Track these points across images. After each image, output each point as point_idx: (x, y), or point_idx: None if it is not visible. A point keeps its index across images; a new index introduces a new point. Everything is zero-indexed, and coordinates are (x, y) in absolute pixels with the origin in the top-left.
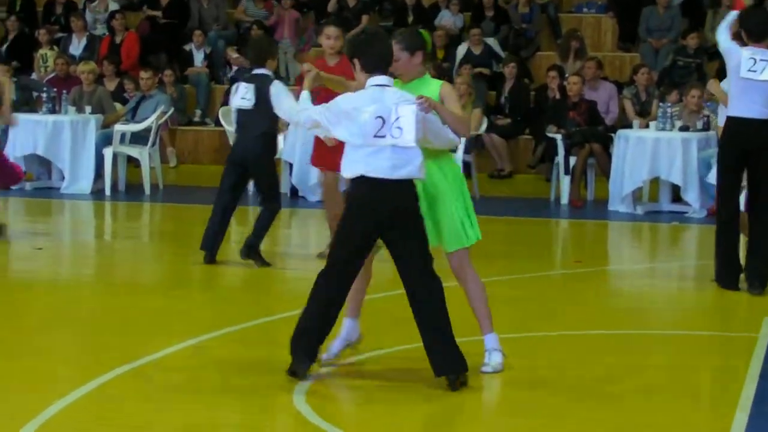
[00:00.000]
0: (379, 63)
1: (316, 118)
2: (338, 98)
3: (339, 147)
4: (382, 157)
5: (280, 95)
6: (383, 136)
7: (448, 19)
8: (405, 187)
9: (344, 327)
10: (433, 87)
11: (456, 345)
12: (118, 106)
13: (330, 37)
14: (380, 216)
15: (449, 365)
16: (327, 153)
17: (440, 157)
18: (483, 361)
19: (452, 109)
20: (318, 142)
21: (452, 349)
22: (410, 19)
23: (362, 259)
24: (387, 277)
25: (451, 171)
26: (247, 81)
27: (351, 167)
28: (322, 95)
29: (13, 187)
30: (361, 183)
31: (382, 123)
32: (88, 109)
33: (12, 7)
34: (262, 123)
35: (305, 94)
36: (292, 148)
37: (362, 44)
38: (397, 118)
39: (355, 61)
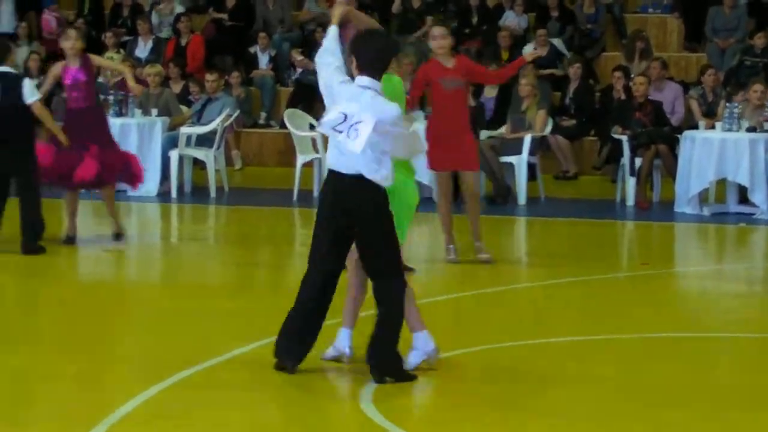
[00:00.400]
0: (370, 64)
1: (323, 74)
2: (340, 85)
3: (454, 146)
4: (339, 149)
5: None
6: (340, 132)
7: (512, 19)
8: (366, 186)
9: (417, 339)
10: None
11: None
12: (183, 108)
13: (436, 38)
14: (342, 208)
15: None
16: (441, 154)
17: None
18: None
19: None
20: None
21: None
22: (474, 19)
23: (338, 255)
24: (448, 281)
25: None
26: None
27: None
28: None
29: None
30: (329, 175)
31: (343, 118)
32: (154, 111)
33: (80, 10)
34: None
35: (333, 30)
36: None
37: (359, 43)
38: (358, 122)
39: (353, 58)
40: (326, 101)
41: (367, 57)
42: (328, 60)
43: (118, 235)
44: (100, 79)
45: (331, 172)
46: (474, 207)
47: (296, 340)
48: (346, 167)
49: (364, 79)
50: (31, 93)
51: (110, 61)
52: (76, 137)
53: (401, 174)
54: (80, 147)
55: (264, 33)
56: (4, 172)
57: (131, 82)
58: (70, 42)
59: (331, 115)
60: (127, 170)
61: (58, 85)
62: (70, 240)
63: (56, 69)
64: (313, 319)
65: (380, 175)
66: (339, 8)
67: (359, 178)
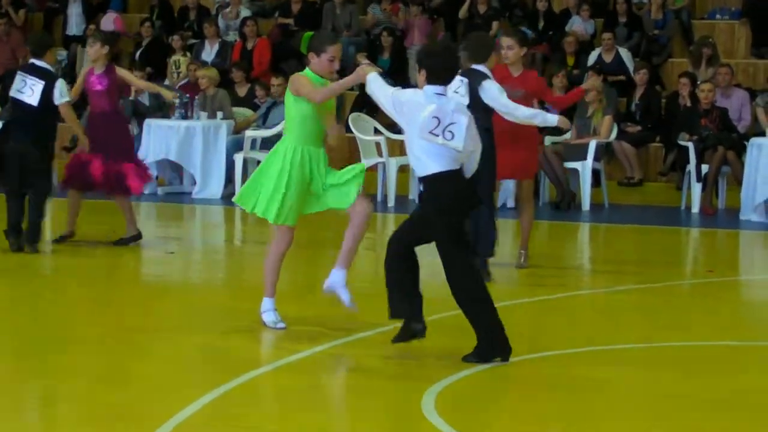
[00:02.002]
0: (438, 75)
1: (382, 99)
2: (405, 90)
3: (509, 155)
4: (440, 152)
5: None
6: (437, 135)
7: (579, 25)
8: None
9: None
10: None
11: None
12: (248, 111)
13: (503, 48)
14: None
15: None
16: (500, 162)
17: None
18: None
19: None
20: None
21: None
22: (541, 24)
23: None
24: (513, 287)
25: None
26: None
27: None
28: None
29: (146, 192)
30: (441, 179)
31: (437, 122)
32: (219, 114)
33: (150, 14)
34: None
35: (374, 77)
36: None
37: (429, 57)
38: (451, 124)
39: (422, 71)
40: (391, 111)
41: (438, 70)
42: (382, 88)
43: (127, 239)
44: (166, 82)
45: (443, 174)
46: (525, 214)
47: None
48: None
49: (437, 88)
50: (60, 94)
51: (135, 78)
52: (95, 141)
53: None
54: (95, 151)
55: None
56: (27, 168)
57: (156, 89)
58: (92, 48)
59: (424, 121)
60: (120, 182)
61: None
62: (63, 238)
63: (85, 70)
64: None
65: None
66: (368, 69)
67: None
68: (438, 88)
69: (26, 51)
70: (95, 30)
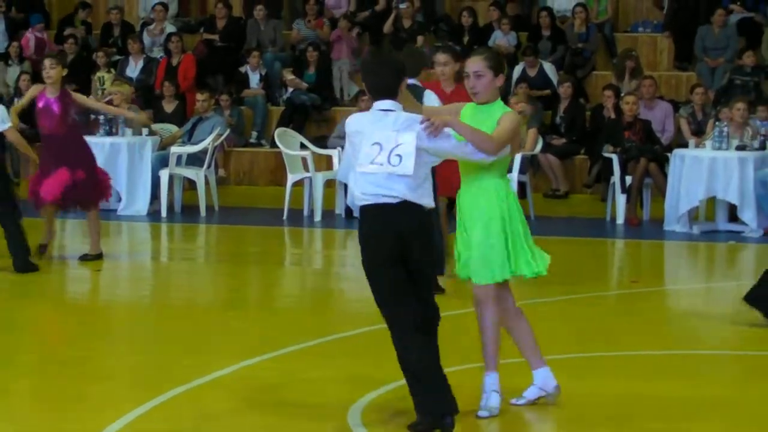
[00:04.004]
0: (383, 89)
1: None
2: (349, 119)
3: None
4: (379, 182)
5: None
6: (381, 164)
7: (501, 38)
8: (409, 212)
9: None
10: (498, 113)
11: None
12: (174, 127)
13: (439, 64)
14: (390, 242)
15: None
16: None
17: (487, 178)
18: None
19: (497, 130)
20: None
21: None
22: (466, 39)
23: (409, 295)
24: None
25: (497, 196)
26: None
27: (355, 192)
28: None
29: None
30: (365, 212)
31: (379, 149)
32: (145, 131)
33: (57, 27)
34: None
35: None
36: (346, 168)
37: (368, 70)
38: (398, 146)
39: (364, 84)
40: (348, 151)
41: (379, 83)
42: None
43: (91, 256)
44: (91, 98)
45: (369, 206)
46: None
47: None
48: (388, 196)
49: (384, 103)
50: (2, 120)
51: (98, 103)
52: (50, 160)
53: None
54: (53, 168)
55: (257, 52)
56: None
57: (131, 115)
58: (45, 71)
59: (364, 152)
60: (85, 193)
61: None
62: (42, 248)
63: (34, 90)
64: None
65: (425, 199)
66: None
67: (405, 203)
68: (384, 103)
69: None
70: (58, 52)
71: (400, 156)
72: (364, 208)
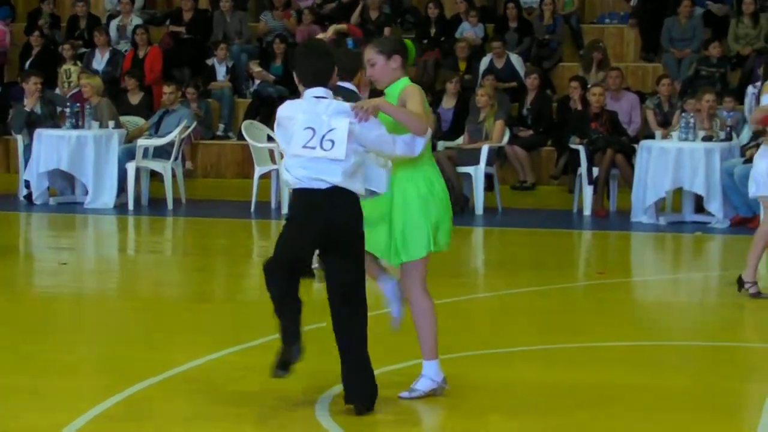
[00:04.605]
0: (314, 77)
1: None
2: (282, 106)
3: None
4: (311, 167)
5: None
6: (313, 148)
7: (468, 30)
8: (341, 200)
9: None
10: (400, 88)
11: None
12: (141, 120)
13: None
14: (316, 229)
15: (358, 394)
16: None
17: (415, 168)
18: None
19: (410, 108)
20: None
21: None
22: (433, 31)
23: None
24: None
25: (424, 184)
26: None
27: (287, 176)
28: None
29: (37, 202)
30: (297, 194)
31: (312, 134)
32: (111, 123)
33: (29, 20)
34: None
35: None
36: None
37: (299, 58)
38: (330, 131)
39: (294, 73)
40: (279, 136)
41: (309, 71)
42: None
43: None
44: (57, 90)
45: (302, 190)
46: None
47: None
48: (320, 180)
49: (317, 90)
50: None
51: None
52: None
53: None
54: None
55: (223, 44)
56: None
57: None
58: None
59: (297, 136)
60: None
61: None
62: None
63: None
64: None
65: (357, 185)
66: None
67: (337, 189)
68: (317, 90)
69: None
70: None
71: (332, 141)
72: (297, 192)
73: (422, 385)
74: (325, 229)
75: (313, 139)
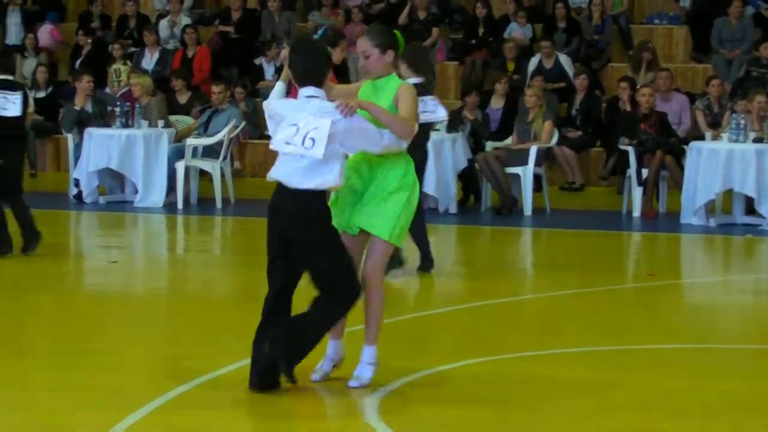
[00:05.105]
0: (307, 76)
1: (266, 110)
2: (277, 102)
3: None
4: (292, 163)
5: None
6: (293, 144)
7: (517, 31)
8: (311, 197)
9: (329, 347)
10: (393, 86)
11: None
12: (190, 119)
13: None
14: (285, 222)
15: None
16: None
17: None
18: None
19: (401, 110)
20: None
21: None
22: (481, 31)
23: (284, 269)
24: (453, 292)
25: (407, 172)
26: None
27: (272, 169)
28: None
29: (87, 201)
30: (277, 187)
31: (295, 131)
32: (161, 123)
33: (81, 21)
34: None
35: (279, 85)
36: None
37: (292, 57)
38: (312, 129)
39: (290, 71)
40: (271, 128)
41: (307, 68)
42: (269, 99)
43: None
44: (107, 90)
45: (279, 184)
46: None
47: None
48: (296, 180)
49: (309, 89)
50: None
51: None
52: None
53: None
54: None
55: (274, 43)
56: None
57: None
58: None
59: (281, 132)
60: None
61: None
62: None
63: None
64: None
65: (324, 178)
66: (287, 69)
67: (305, 191)
68: (308, 90)
69: None
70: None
71: (313, 140)
72: (278, 184)
73: (370, 371)
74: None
75: (296, 136)
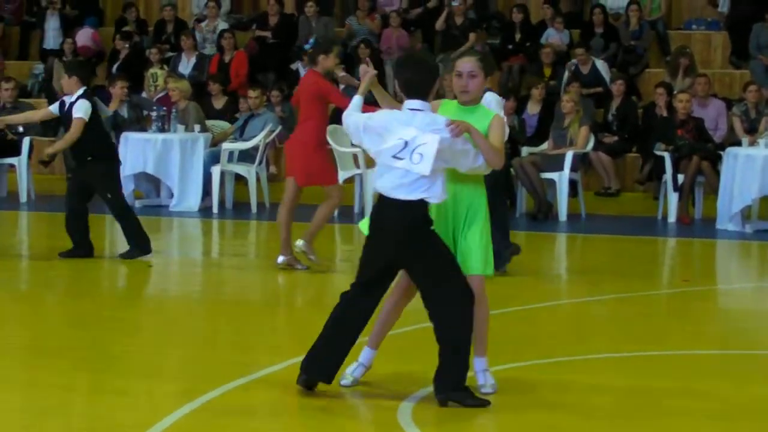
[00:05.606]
0: (413, 88)
1: (350, 123)
2: (378, 113)
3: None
4: (397, 178)
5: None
6: (401, 159)
7: (554, 36)
8: (417, 208)
9: (364, 354)
10: (484, 113)
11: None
12: (226, 124)
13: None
14: (395, 235)
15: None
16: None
17: (476, 181)
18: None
19: (492, 140)
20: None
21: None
22: (518, 36)
23: (383, 282)
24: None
25: (483, 196)
26: None
27: (376, 182)
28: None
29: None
30: (379, 200)
31: (403, 145)
32: (197, 127)
33: (117, 26)
34: None
35: (357, 99)
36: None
37: (400, 68)
38: (421, 145)
39: (396, 82)
40: (360, 139)
41: (410, 81)
42: (353, 115)
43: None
44: (144, 94)
45: (382, 197)
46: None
47: (332, 360)
48: (402, 192)
49: (414, 102)
50: (84, 112)
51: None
52: None
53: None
54: None
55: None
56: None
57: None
58: None
59: (389, 144)
60: None
61: None
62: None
63: None
64: (350, 340)
65: (431, 193)
66: (367, 80)
67: (410, 203)
68: (414, 103)
69: (4, 64)
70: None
71: (421, 155)
72: (380, 196)
73: (490, 377)
74: (398, 236)
75: (404, 150)
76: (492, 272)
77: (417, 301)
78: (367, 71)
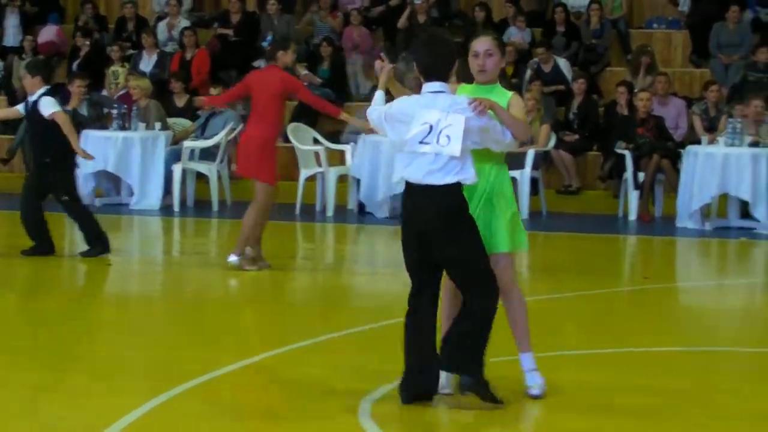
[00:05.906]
0: (433, 70)
1: (375, 118)
2: (395, 101)
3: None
4: (426, 164)
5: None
6: (428, 143)
7: (516, 35)
8: (453, 191)
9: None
10: (500, 92)
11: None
12: (187, 122)
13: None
14: (430, 223)
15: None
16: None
17: (500, 161)
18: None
19: (519, 115)
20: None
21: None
22: None
23: (431, 272)
24: None
25: (507, 177)
26: None
27: (398, 171)
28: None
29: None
30: (408, 190)
31: (429, 129)
32: (157, 125)
33: (73, 24)
34: None
35: (379, 94)
36: (360, 163)
37: (420, 49)
38: (447, 126)
39: (414, 64)
40: (385, 131)
41: (430, 62)
42: (378, 109)
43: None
44: (104, 92)
45: (409, 185)
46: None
47: (418, 374)
48: (431, 178)
49: (434, 85)
50: (51, 105)
51: None
52: None
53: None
54: None
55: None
56: None
57: None
58: None
59: (414, 131)
60: None
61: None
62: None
63: None
64: (429, 346)
65: (464, 174)
66: (386, 75)
67: (442, 187)
68: (434, 85)
69: None
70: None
71: (448, 137)
72: (409, 186)
73: (540, 376)
74: (430, 221)
75: (430, 134)
76: (520, 249)
77: (382, 299)
78: (383, 66)
